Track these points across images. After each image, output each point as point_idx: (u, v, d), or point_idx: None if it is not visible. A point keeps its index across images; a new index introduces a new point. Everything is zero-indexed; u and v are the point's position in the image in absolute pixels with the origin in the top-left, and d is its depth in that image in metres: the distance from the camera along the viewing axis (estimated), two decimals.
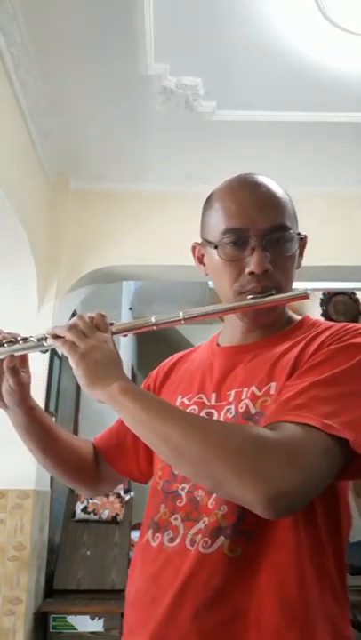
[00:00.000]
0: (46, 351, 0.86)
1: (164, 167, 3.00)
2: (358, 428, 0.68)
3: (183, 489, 0.81)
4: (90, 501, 3.01)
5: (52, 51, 2.25)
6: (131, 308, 4.81)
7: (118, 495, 3.06)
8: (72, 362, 0.79)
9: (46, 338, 0.84)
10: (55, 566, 2.81)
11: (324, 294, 5.86)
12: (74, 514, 3.00)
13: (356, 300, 5.90)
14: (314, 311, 5.81)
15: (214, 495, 0.76)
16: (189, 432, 0.69)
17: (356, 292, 5.80)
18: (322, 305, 5.87)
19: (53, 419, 2.91)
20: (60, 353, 2.47)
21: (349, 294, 5.89)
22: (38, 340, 0.85)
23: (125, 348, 4.69)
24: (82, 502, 3.01)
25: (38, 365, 2.53)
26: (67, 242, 3.02)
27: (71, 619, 2.52)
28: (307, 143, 2.83)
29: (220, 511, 0.75)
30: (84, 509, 2.99)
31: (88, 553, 2.85)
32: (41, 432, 0.94)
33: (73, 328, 0.81)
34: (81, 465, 1.00)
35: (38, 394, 2.65)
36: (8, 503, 2.53)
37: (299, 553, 0.71)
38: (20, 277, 2.73)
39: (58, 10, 2.07)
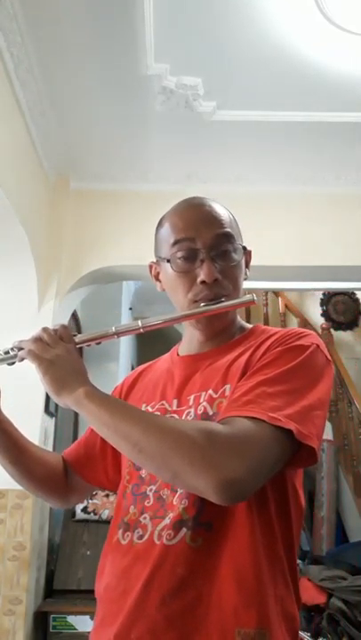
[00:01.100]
0: (13, 363, 0.90)
1: (164, 167, 3.01)
2: (301, 421, 0.76)
3: (151, 490, 0.87)
4: (90, 501, 3.02)
5: (52, 51, 2.25)
6: (131, 308, 4.81)
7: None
8: (39, 371, 0.84)
9: (13, 350, 0.89)
10: (55, 566, 2.81)
11: (324, 294, 5.86)
12: (74, 514, 3.00)
13: (357, 299, 5.91)
14: (314, 311, 5.82)
15: (178, 492, 0.83)
16: (148, 429, 0.75)
17: (356, 291, 5.81)
18: (322, 305, 5.87)
19: (53, 419, 2.91)
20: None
21: (349, 294, 5.90)
22: (5, 352, 0.90)
23: (126, 348, 4.69)
24: (82, 502, 3.01)
25: None
26: (67, 242, 3.02)
27: (71, 619, 2.52)
28: (307, 143, 2.83)
29: (181, 505, 0.81)
30: (84, 509, 3.00)
31: (88, 553, 2.85)
32: (9, 444, 0.98)
33: (38, 340, 0.87)
34: (50, 477, 1.04)
35: (38, 394, 2.66)
36: (8, 503, 2.53)
37: (253, 540, 0.78)
38: (20, 277, 2.73)
39: (58, 10, 2.07)
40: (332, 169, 3.06)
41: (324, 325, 5.05)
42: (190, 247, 0.92)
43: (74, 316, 3.51)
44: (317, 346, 0.87)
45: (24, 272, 2.71)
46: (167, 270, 0.96)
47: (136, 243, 3.00)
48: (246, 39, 2.21)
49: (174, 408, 0.92)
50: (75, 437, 3.79)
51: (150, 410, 0.95)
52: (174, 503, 0.82)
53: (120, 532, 0.88)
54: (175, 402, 0.93)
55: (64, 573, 2.76)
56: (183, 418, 0.89)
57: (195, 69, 2.39)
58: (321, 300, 5.89)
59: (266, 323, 5.21)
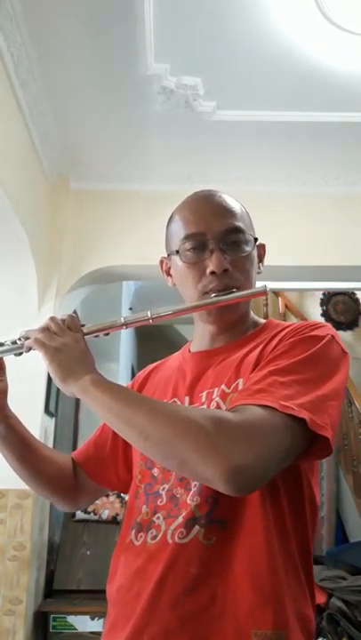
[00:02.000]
0: (21, 353, 0.89)
1: (164, 167, 3.00)
2: (314, 410, 0.73)
3: (164, 489, 0.85)
4: None
5: (52, 51, 2.25)
6: (131, 308, 4.81)
7: (118, 495, 3.06)
8: (46, 358, 0.83)
9: (20, 339, 0.88)
10: (55, 566, 2.81)
11: (324, 294, 5.86)
12: (74, 514, 2.99)
13: (357, 299, 5.91)
14: (314, 311, 5.82)
15: (192, 490, 0.80)
16: (154, 416, 0.73)
17: (356, 291, 5.81)
18: (322, 305, 5.87)
19: (53, 419, 2.91)
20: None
21: (349, 294, 5.90)
22: (12, 342, 0.89)
23: (126, 348, 4.69)
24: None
25: (39, 365, 2.53)
26: (67, 242, 3.02)
27: (71, 619, 2.52)
28: (307, 143, 2.83)
29: (193, 502, 0.79)
30: (84, 509, 2.99)
31: (88, 553, 2.85)
32: (17, 442, 0.96)
33: (45, 329, 0.86)
34: (59, 477, 1.02)
35: (38, 394, 2.66)
36: (8, 503, 2.53)
37: (268, 539, 0.76)
38: (20, 277, 2.73)
39: (58, 10, 2.07)
40: (332, 169, 3.06)
41: None
42: (200, 239, 0.91)
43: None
44: (333, 337, 0.84)
45: (24, 272, 2.71)
46: (177, 263, 0.95)
47: (136, 243, 3.01)
48: (246, 39, 2.21)
49: (186, 405, 0.90)
50: (75, 437, 3.79)
51: None
52: (188, 502, 0.80)
53: (133, 532, 0.86)
54: (187, 399, 0.91)
55: (64, 573, 2.76)
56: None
57: (195, 69, 2.39)
58: (321, 300, 5.89)
59: None
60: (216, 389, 0.87)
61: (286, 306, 5.36)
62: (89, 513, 2.99)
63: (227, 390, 0.85)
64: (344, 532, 4.13)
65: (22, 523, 2.51)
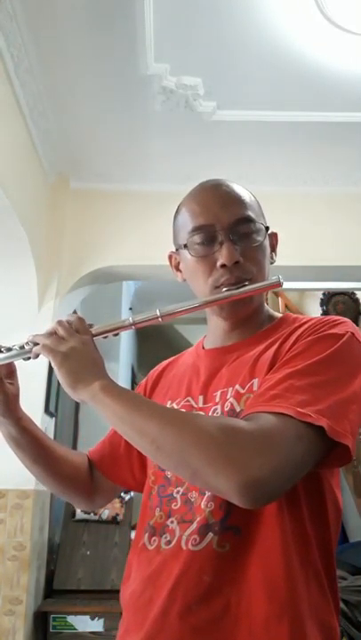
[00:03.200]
0: (29, 358, 0.87)
1: (164, 167, 3.00)
2: (333, 416, 0.69)
3: (178, 492, 0.82)
4: None
5: (52, 51, 2.25)
6: (131, 308, 4.81)
7: (118, 495, 3.06)
8: (54, 364, 0.80)
9: (28, 344, 0.85)
10: (55, 566, 2.81)
11: (324, 294, 5.86)
12: (74, 514, 2.99)
13: (357, 299, 5.90)
14: (314, 311, 5.81)
15: (207, 495, 0.77)
16: (165, 425, 0.71)
17: (356, 291, 5.80)
18: (322, 305, 5.86)
19: (53, 419, 2.91)
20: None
21: (349, 294, 5.89)
22: (20, 347, 0.87)
23: (126, 347, 4.69)
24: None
25: (39, 365, 2.53)
26: (67, 242, 3.02)
27: (71, 619, 2.52)
28: (307, 143, 2.83)
29: (207, 508, 0.76)
30: (87, 510, 2.99)
31: (88, 553, 2.85)
32: (31, 444, 0.94)
33: (53, 333, 0.83)
34: (75, 476, 1.00)
35: (38, 394, 2.66)
36: (8, 503, 2.53)
37: (285, 545, 0.72)
38: (20, 277, 2.73)
39: (58, 10, 2.07)
40: (332, 169, 3.06)
41: None
42: (209, 231, 0.87)
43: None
44: (352, 334, 0.79)
45: (24, 272, 2.71)
46: (186, 257, 0.91)
47: (136, 242, 3.01)
48: (246, 39, 2.21)
49: (200, 405, 0.87)
50: (75, 437, 3.79)
51: (176, 407, 0.89)
52: (202, 507, 0.77)
53: (146, 536, 0.83)
54: (201, 398, 0.87)
55: (64, 573, 2.76)
56: (209, 415, 0.83)
57: (195, 69, 2.39)
58: (321, 300, 5.88)
59: None
60: (230, 389, 0.83)
61: (286, 306, 5.35)
62: (89, 513, 2.99)
63: (241, 390, 0.82)
64: (344, 532, 4.13)
65: (22, 523, 2.51)
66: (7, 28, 2.08)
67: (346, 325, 0.81)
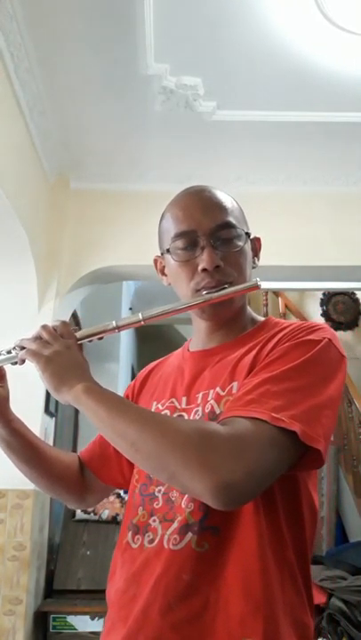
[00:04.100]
0: (16, 363, 0.89)
1: (164, 167, 3.00)
2: (306, 421, 0.71)
3: (159, 491, 0.85)
4: None
5: (52, 51, 2.25)
6: (131, 308, 4.81)
7: (118, 495, 3.06)
8: (38, 367, 0.83)
9: (15, 349, 0.88)
10: (55, 566, 2.81)
11: (324, 294, 5.86)
12: (74, 514, 3.00)
13: (357, 299, 5.90)
14: (314, 311, 5.81)
15: (186, 495, 0.80)
16: (145, 428, 0.73)
17: (356, 291, 5.80)
18: (322, 305, 5.87)
19: (54, 419, 2.91)
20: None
21: (349, 294, 5.89)
22: (7, 352, 0.89)
23: (126, 348, 4.69)
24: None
25: None
26: (67, 242, 3.02)
27: (71, 619, 2.52)
28: (307, 143, 2.83)
29: (187, 509, 0.79)
30: (84, 509, 2.99)
31: (88, 553, 2.85)
32: (22, 446, 0.96)
33: (37, 338, 0.86)
34: (67, 477, 1.02)
35: (38, 394, 2.65)
36: (8, 503, 2.53)
37: (261, 545, 0.75)
38: (20, 277, 2.73)
39: (58, 10, 2.07)
40: (333, 169, 3.06)
41: None
42: (191, 237, 0.89)
43: (74, 315, 3.51)
44: (330, 340, 0.82)
45: (24, 272, 2.71)
46: (170, 261, 0.94)
47: (136, 243, 3.01)
48: (246, 39, 2.21)
49: (183, 406, 0.89)
50: (75, 437, 3.79)
51: (160, 408, 0.92)
52: (182, 506, 0.80)
53: (130, 534, 0.86)
54: (184, 399, 0.90)
55: (64, 573, 2.76)
56: (191, 416, 0.86)
57: (195, 69, 2.39)
58: (321, 300, 5.89)
59: None
60: (211, 391, 0.86)
61: (286, 306, 5.35)
62: (89, 513, 2.99)
63: (221, 393, 0.84)
64: (344, 532, 4.13)
65: (22, 523, 2.51)
66: (7, 28, 2.08)
67: (324, 331, 0.83)
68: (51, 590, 2.73)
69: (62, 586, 2.72)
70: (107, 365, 4.09)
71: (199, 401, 0.87)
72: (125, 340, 4.65)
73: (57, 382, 0.81)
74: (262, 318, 0.97)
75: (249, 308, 0.98)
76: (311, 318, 5.57)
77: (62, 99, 2.53)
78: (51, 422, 2.87)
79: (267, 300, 5.37)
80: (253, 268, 0.96)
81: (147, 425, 0.74)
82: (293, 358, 0.78)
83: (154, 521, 0.83)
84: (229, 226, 0.90)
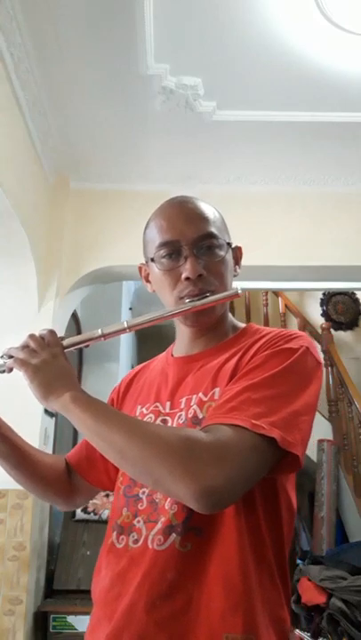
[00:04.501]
0: (4, 371, 0.90)
1: (164, 167, 3.00)
2: (285, 427, 0.75)
3: (144, 492, 0.88)
4: (90, 501, 3.02)
5: (52, 51, 2.25)
6: (131, 308, 4.81)
7: None
8: (26, 377, 0.85)
9: (3, 357, 0.89)
10: (55, 566, 2.81)
11: (324, 294, 5.86)
12: (74, 514, 3.00)
13: (357, 299, 5.91)
14: (314, 311, 5.82)
15: (170, 497, 0.82)
16: (131, 436, 0.76)
17: (356, 291, 5.80)
18: (322, 305, 5.87)
19: (54, 419, 2.91)
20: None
21: (349, 294, 5.90)
22: None
23: (126, 348, 4.69)
24: (87, 503, 3.00)
25: None
26: (67, 242, 3.02)
27: (71, 619, 2.52)
28: (307, 143, 2.83)
29: (171, 510, 0.82)
30: (84, 509, 3.00)
31: (88, 553, 2.85)
32: (10, 450, 0.98)
33: (25, 347, 0.88)
34: (55, 480, 1.04)
35: None
36: (8, 503, 2.53)
37: (241, 545, 0.78)
38: (20, 277, 2.73)
39: (58, 10, 2.07)
40: (333, 169, 3.06)
41: (324, 325, 5.04)
42: (174, 246, 0.92)
43: (74, 315, 3.51)
44: (307, 348, 0.86)
45: (24, 272, 2.71)
46: (154, 270, 0.97)
47: (136, 243, 2.98)
48: (246, 39, 2.21)
49: (167, 410, 0.92)
50: (75, 437, 3.79)
51: (145, 412, 0.95)
52: (166, 507, 0.83)
53: (114, 534, 0.89)
54: (168, 404, 0.93)
55: (64, 573, 2.76)
56: (175, 421, 0.89)
57: (195, 69, 2.39)
58: (321, 300, 5.89)
59: (266, 323, 5.20)
60: (194, 396, 0.89)
61: (286, 306, 5.35)
62: (89, 513, 2.99)
63: (204, 398, 0.88)
64: (344, 532, 4.13)
65: (22, 523, 2.51)
66: (7, 28, 2.08)
67: (301, 340, 0.87)
68: (51, 590, 2.73)
69: (62, 586, 2.72)
70: (107, 365, 4.09)
71: (182, 406, 0.90)
72: (126, 340, 4.65)
73: (45, 391, 0.84)
74: (243, 325, 1.00)
75: (230, 315, 1.01)
76: (311, 318, 5.57)
77: (62, 99, 2.53)
78: (51, 422, 2.87)
79: (267, 300, 5.37)
80: (235, 276, 0.99)
81: (133, 433, 0.76)
82: (273, 366, 0.82)
83: (138, 522, 0.85)
84: (212, 236, 0.93)
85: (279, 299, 5.42)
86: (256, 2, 2.06)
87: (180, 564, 0.78)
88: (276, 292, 5.42)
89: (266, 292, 5.32)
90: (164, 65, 2.34)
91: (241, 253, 1.03)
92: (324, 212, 3.13)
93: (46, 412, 2.74)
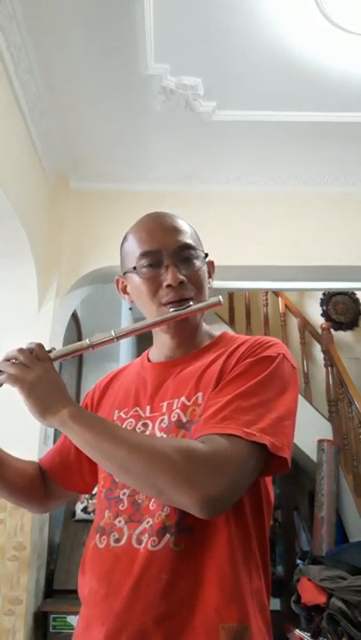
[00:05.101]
0: None
1: (164, 167, 3.00)
2: (273, 433, 0.81)
3: (124, 494, 0.90)
4: (90, 501, 3.02)
5: (52, 51, 2.25)
6: (131, 309, 4.80)
7: None
8: (22, 394, 0.86)
9: None
10: (55, 566, 2.81)
11: (324, 294, 5.86)
12: (74, 514, 3.00)
13: (357, 299, 5.91)
14: (314, 311, 5.82)
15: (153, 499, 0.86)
16: (132, 450, 0.79)
17: (356, 291, 5.81)
18: (322, 305, 5.88)
19: None
20: None
21: (349, 294, 5.90)
22: None
23: (126, 348, 4.69)
24: (82, 502, 3.01)
25: None
26: (67, 242, 3.02)
27: (71, 619, 2.52)
28: (307, 143, 2.83)
29: (163, 512, 0.84)
30: (84, 509, 3.00)
31: None
32: None
33: (15, 362, 0.88)
34: (29, 486, 1.05)
35: None
36: (8, 503, 2.52)
37: (231, 542, 0.83)
38: (20, 277, 2.73)
39: (58, 10, 2.07)
40: (333, 169, 3.06)
41: (324, 325, 5.05)
42: (156, 256, 0.96)
43: (74, 315, 3.51)
44: (283, 355, 0.91)
45: (24, 272, 2.71)
46: (134, 279, 1.00)
47: None
48: (246, 39, 2.21)
49: (147, 414, 0.95)
50: None
51: (123, 416, 0.97)
52: (151, 508, 0.85)
53: (97, 536, 0.91)
54: (148, 408, 0.95)
55: (64, 573, 2.76)
56: (156, 424, 0.92)
57: (195, 69, 2.39)
58: (321, 299, 5.89)
59: (266, 323, 5.21)
60: (176, 400, 0.92)
61: (286, 306, 5.36)
62: (89, 513, 2.99)
63: (187, 403, 0.90)
64: (344, 531, 4.13)
65: (22, 523, 2.51)
66: (7, 28, 2.08)
67: (278, 347, 0.93)
68: (51, 590, 2.73)
69: (62, 586, 2.72)
70: (107, 365, 4.08)
71: (164, 410, 0.93)
72: (125, 340, 4.64)
73: (42, 409, 0.85)
74: (218, 333, 1.05)
75: (204, 324, 1.05)
76: (311, 318, 5.57)
77: (62, 99, 2.53)
78: None
79: (267, 299, 5.37)
80: (209, 287, 1.03)
81: (134, 447, 0.79)
82: (256, 374, 0.87)
83: (119, 522, 0.88)
84: (190, 247, 0.99)
85: (279, 299, 5.42)
86: (256, 2, 2.06)
87: (175, 563, 0.81)
88: (276, 292, 5.42)
89: (266, 292, 5.32)
90: (164, 65, 2.34)
91: (213, 268, 1.07)
92: (324, 212, 3.13)
93: None
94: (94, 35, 2.19)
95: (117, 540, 0.87)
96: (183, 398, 0.91)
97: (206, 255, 1.02)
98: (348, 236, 3.07)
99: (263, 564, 0.89)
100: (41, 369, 0.87)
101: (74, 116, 2.64)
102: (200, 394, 0.90)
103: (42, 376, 0.86)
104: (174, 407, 0.91)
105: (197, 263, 0.99)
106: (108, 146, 2.85)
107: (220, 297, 0.96)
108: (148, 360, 1.06)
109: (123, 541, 0.86)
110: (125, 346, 4.66)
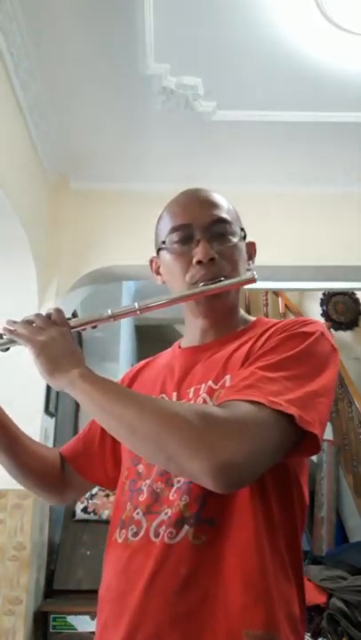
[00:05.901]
0: (7, 349, 0.87)
1: (164, 167, 3.00)
2: (303, 406, 0.72)
3: (145, 484, 0.84)
4: (90, 501, 3.01)
5: (52, 51, 2.25)
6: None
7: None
8: (32, 352, 0.82)
9: (3, 334, 0.86)
10: (55, 566, 2.81)
11: (324, 294, 5.87)
12: (74, 514, 2.99)
13: (357, 299, 5.91)
14: (314, 311, 5.82)
15: (174, 487, 0.79)
16: (142, 410, 0.73)
17: (356, 291, 5.81)
18: (322, 305, 5.88)
19: (54, 419, 2.91)
20: None
21: (349, 294, 5.90)
22: None
23: (125, 348, 4.69)
24: (82, 502, 3.01)
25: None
26: (67, 242, 3.02)
27: (71, 619, 2.52)
28: (307, 143, 2.83)
29: (182, 501, 0.77)
30: (84, 509, 2.99)
31: (88, 553, 2.85)
32: (3, 435, 0.95)
33: (30, 323, 0.85)
34: (47, 472, 1.01)
35: (38, 394, 2.65)
36: (8, 503, 2.53)
37: (258, 536, 0.74)
38: (20, 277, 2.73)
39: (58, 10, 2.07)
40: (333, 169, 3.06)
41: (324, 325, 5.05)
42: (187, 230, 0.90)
43: (74, 316, 3.50)
44: (322, 333, 0.83)
45: (24, 272, 2.71)
46: (165, 257, 0.94)
47: (136, 243, 2.99)
48: (246, 39, 2.21)
49: (174, 401, 0.89)
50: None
51: None
52: (171, 499, 0.79)
53: (117, 530, 0.86)
54: (175, 395, 0.89)
55: (64, 573, 2.76)
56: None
57: (195, 69, 2.39)
58: (321, 300, 5.89)
59: None
60: (203, 385, 0.86)
61: (286, 306, 5.36)
62: (89, 513, 2.99)
63: (214, 386, 0.84)
64: (344, 532, 4.13)
65: (22, 523, 2.51)
66: (7, 28, 2.08)
67: (316, 325, 0.85)
68: (51, 590, 2.73)
69: (62, 586, 2.72)
70: (107, 365, 4.08)
71: (191, 395, 0.86)
72: (125, 340, 4.65)
73: (51, 367, 0.81)
74: (253, 318, 0.98)
75: (241, 310, 0.99)
76: (311, 318, 5.57)
77: (62, 99, 2.52)
78: (51, 422, 2.87)
79: (267, 299, 5.37)
80: (248, 270, 0.96)
81: (144, 407, 0.73)
82: (288, 349, 0.79)
83: (137, 514, 0.82)
84: (225, 221, 0.92)
85: (279, 299, 5.43)
86: (256, 2, 2.06)
87: (195, 557, 0.74)
88: (276, 292, 5.42)
89: (266, 291, 5.32)
90: (164, 65, 2.34)
91: (255, 250, 1.00)
92: (324, 211, 3.13)
93: (46, 411, 2.74)
94: (94, 35, 2.19)
95: (135, 534, 0.80)
96: (210, 382, 0.85)
97: (243, 230, 0.95)
98: (348, 236, 3.07)
99: (293, 570, 0.79)
100: (55, 331, 0.84)
101: (74, 116, 2.64)
102: (228, 377, 0.83)
103: (55, 337, 0.83)
104: (201, 392, 0.85)
105: (232, 239, 0.91)
106: (109, 146, 2.85)
107: (255, 272, 0.89)
108: (179, 347, 0.99)
109: (140, 534, 0.79)
110: (126, 346, 4.66)
